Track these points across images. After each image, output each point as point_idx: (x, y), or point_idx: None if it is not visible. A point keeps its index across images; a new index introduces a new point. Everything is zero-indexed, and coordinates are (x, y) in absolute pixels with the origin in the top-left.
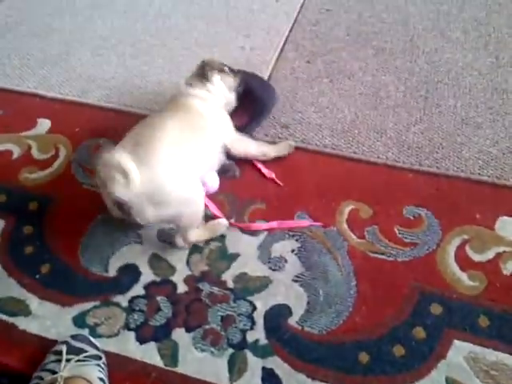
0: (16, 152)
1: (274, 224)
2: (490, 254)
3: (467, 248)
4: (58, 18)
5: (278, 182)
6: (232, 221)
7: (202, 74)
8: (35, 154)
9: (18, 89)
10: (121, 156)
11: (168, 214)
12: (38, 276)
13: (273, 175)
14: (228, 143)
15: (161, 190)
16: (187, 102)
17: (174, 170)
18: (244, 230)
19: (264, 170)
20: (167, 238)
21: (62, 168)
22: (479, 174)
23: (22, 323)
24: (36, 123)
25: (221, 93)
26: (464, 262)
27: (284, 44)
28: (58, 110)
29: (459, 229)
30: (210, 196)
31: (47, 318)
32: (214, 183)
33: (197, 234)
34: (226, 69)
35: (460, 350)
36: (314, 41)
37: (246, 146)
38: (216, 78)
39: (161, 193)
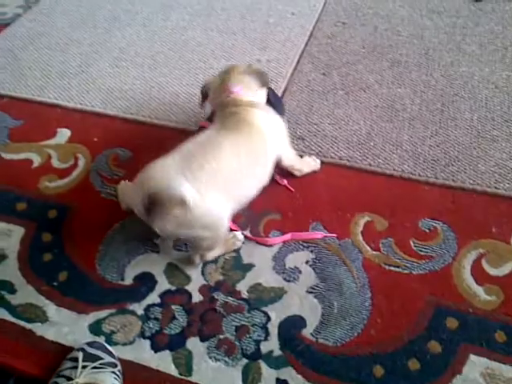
0: (36, 161)
1: (288, 236)
2: (506, 268)
3: (483, 262)
4: (78, 31)
5: (290, 188)
6: (247, 232)
7: (263, 81)
8: (55, 163)
9: (39, 99)
10: (183, 191)
11: (192, 236)
12: (55, 283)
13: (285, 182)
14: (283, 158)
15: (201, 220)
16: (250, 120)
17: (221, 204)
18: (261, 243)
19: (276, 177)
20: (183, 247)
21: (80, 177)
22: (495, 187)
23: (39, 329)
24: (56, 133)
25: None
26: (480, 276)
27: (300, 57)
28: (77, 120)
29: (475, 242)
30: None
31: (64, 325)
32: None
33: (213, 253)
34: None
35: (476, 366)
36: (330, 54)
37: (294, 162)
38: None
39: (199, 221)
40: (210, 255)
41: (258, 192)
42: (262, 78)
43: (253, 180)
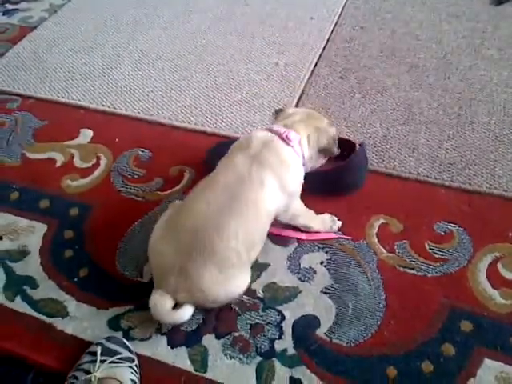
0: (59, 160)
1: (302, 235)
2: None
3: (499, 266)
4: (101, 34)
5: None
6: None
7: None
8: (77, 162)
9: (62, 100)
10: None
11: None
12: (76, 279)
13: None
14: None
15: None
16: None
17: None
18: (274, 237)
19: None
20: None
21: (102, 176)
22: None
23: (59, 324)
24: (79, 133)
25: (316, 160)
26: (496, 280)
27: (317, 60)
28: (100, 120)
29: (491, 246)
30: None
31: (83, 320)
32: None
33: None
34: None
35: (491, 369)
36: (348, 57)
37: (301, 215)
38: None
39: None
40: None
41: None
42: (328, 147)
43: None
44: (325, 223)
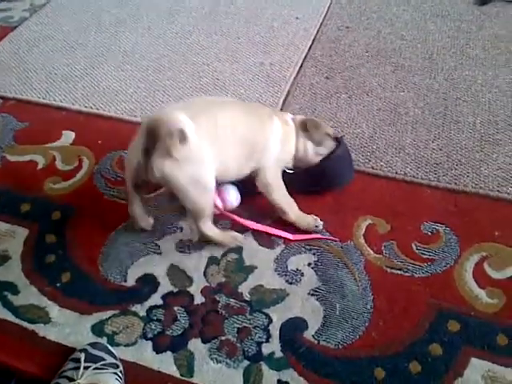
0: (41, 163)
1: (289, 235)
2: (508, 272)
3: (485, 265)
4: (83, 34)
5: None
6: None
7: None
8: (59, 164)
9: (44, 101)
10: (183, 122)
11: (180, 190)
12: (58, 284)
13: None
14: (263, 167)
15: (193, 165)
16: (272, 116)
17: (211, 160)
18: (261, 235)
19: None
20: (185, 248)
21: (84, 179)
22: (498, 191)
23: (41, 330)
24: (61, 135)
25: (306, 148)
26: (482, 280)
27: (303, 60)
28: (82, 122)
29: (477, 246)
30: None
31: (66, 326)
32: (234, 200)
33: (209, 228)
34: (331, 135)
35: (478, 369)
36: (333, 57)
37: (275, 188)
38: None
39: (192, 167)
40: (205, 227)
41: (231, 177)
42: (316, 134)
43: (236, 156)
44: (305, 220)
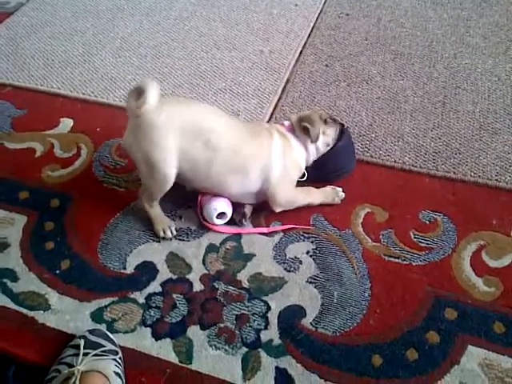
0: (39, 150)
1: (264, 229)
2: (506, 260)
3: (483, 254)
4: (81, 20)
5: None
6: (247, 223)
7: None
8: (58, 152)
9: (41, 89)
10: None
11: (136, 160)
12: (57, 271)
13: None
14: (272, 185)
15: (147, 134)
16: (270, 132)
17: (171, 142)
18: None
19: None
20: (184, 236)
21: (83, 166)
22: (496, 180)
23: (41, 317)
24: (59, 122)
25: (317, 147)
26: (479, 268)
27: (303, 48)
28: (80, 109)
29: (475, 234)
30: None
31: (66, 313)
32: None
33: (149, 206)
34: (329, 120)
35: (474, 356)
36: (333, 45)
37: (291, 205)
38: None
39: (146, 135)
40: (146, 208)
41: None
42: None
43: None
44: (329, 197)
